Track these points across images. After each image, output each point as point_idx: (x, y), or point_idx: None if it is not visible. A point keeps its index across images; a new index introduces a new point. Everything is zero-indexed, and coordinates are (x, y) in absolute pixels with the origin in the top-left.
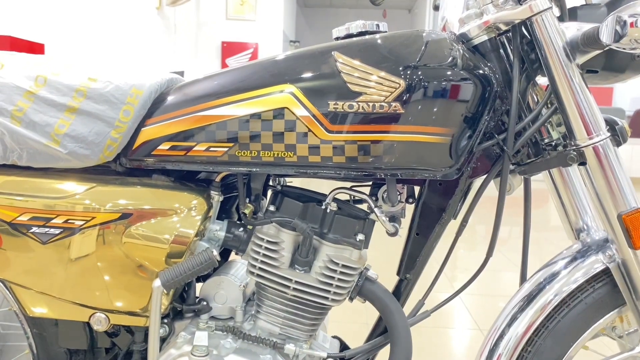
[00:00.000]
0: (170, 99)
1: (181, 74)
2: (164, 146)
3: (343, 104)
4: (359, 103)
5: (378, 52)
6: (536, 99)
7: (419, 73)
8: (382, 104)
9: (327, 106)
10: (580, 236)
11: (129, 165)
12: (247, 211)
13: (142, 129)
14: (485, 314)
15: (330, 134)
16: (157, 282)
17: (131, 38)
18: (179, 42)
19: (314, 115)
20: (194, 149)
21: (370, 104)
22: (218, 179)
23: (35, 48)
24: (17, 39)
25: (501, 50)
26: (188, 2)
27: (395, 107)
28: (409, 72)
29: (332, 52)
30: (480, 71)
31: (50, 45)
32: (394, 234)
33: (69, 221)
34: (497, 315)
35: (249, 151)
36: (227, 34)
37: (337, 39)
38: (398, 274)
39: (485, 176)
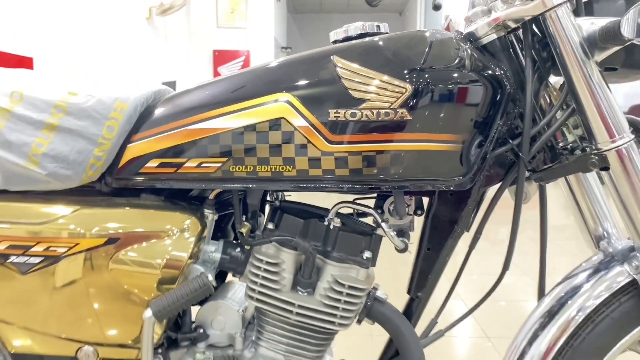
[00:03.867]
0: (158, 112)
1: (173, 84)
2: (153, 163)
3: (345, 112)
4: (362, 110)
5: (381, 54)
6: (549, 101)
7: (426, 76)
8: (388, 110)
9: (327, 115)
10: (600, 245)
11: (115, 185)
12: (243, 230)
13: (128, 145)
14: (490, 319)
15: (331, 145)
16: (148, 312)
17: (121, 50)
18: (170, 52)
19: (313, 125)
20: (185, 165)
21: (375, 111)
22: (212, 196)
23: (24, 62)
24: (4, 53)
25: (511, 50)
26: (178, 12)
27: (401, 113)
28: (415, 75)
29: (331, 57)
30: (491, 72)
31: (39, 59)
32: (403, 250)
33: (51, 249)
34: (509, 325)
35: (243, 166)
36: (219, 42)
37: (335, 42)
38: (409, 292)
39: (499, 185)
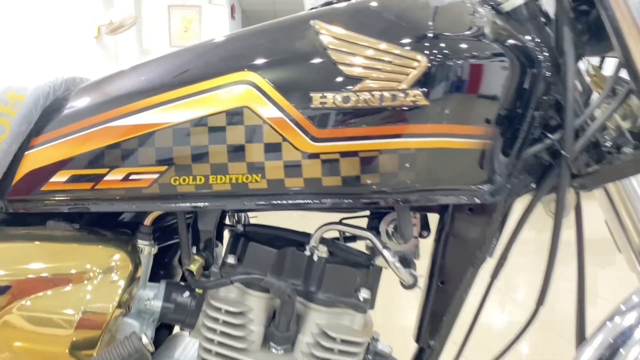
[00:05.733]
0: (69, 105)
1: None
2: (61, 177)
3: (334, 97)
4: (359, 93)
5: (379, 17)
6: (581, 88)
7: (443, 45)
8: (395, 92)
9: (309, 101)
10: None
11: (10, 209)
12: (193, 267)
13: (27, 152)
14: (479, 349)
15: (316, 144)
16: None
17: (69, 70)
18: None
19: (289, 117)
20: (106, 178)
21: (377, 94)
22: (148, 221)
23: None
24: None
25: (540, 19)
26: (129, 31)
27: (415, 96)
28: (429, 44)
29: (311, 22)
30: (523, 45)
31: None
32: (412, 286)
33: None
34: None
35: (191, 177)
36: None
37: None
38: (417, 340)
39: (531, 195)
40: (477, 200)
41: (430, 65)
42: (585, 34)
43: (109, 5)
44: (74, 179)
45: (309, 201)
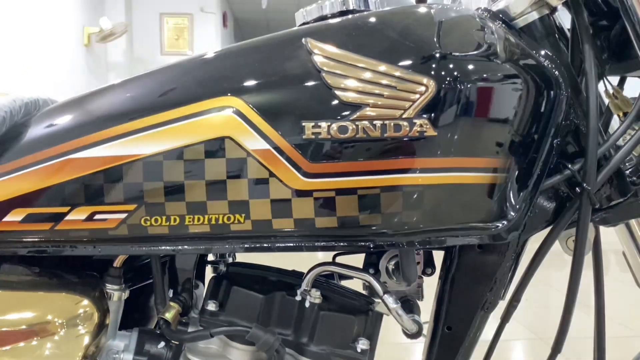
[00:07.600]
0: (27, 134)
1: None
2: (15, 216)
3: (329, 126)
4: (358, 122)
5: (382, 35)
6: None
7: (452, 67)
8: (399, 122)
9: (300, 131)
10: None
11: None
12: (169, 316)
13: None
14: None
15: (309, 179)
16: None
17: (58, 77)
18: (111, 79)
19: (278, 148)
20: (67, 218)
21: (378, 124)
22: (118, 262)
23: None
24: None
25: (557, 36)
26: (120, 39)
27: (422, 126)
28: (437, 66)
29: (303, 40)
30: (540, 65)
31: None
32: (416, 335)
33: None
34: None
35: (164, 217)
36: None
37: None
38: None
39: (548, 230)
40: (490, 240)
41: (439, 90)
42: (605, 51)
43: (100, 12)
44: (30, 219)
45: (299, 244)
